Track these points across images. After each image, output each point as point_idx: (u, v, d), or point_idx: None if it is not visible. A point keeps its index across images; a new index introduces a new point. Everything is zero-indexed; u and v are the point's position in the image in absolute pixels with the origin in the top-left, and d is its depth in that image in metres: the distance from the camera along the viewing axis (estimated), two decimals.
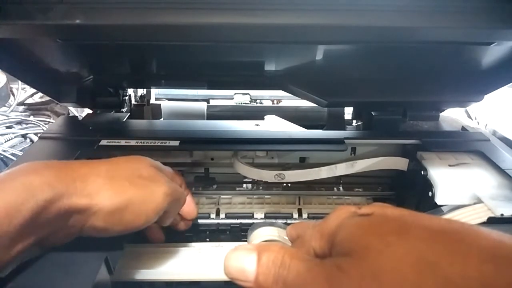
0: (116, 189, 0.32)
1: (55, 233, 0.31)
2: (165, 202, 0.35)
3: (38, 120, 0.88)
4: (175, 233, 0.52)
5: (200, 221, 0.53)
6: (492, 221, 0.40)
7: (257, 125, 0.58)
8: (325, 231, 0.25)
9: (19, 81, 0.93)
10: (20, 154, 0.73)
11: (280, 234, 0.40)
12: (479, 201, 0.43)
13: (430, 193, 0.47)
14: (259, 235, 0.41)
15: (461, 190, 0.45)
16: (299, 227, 0.32)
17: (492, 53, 0.51)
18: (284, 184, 0.59)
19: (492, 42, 0.39)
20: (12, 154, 0.75)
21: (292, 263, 0.23)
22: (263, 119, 0.64)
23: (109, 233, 0.33)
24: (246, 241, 0.47)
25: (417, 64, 0.54)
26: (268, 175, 0.53)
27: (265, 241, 0.40)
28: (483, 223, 0.40)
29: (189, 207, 0.44)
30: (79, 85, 0.57)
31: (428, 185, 0.48)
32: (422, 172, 0.49)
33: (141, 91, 0.74)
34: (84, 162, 0.34)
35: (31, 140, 0.83)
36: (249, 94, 0.91)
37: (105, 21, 0.31)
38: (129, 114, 0.65)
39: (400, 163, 0.55)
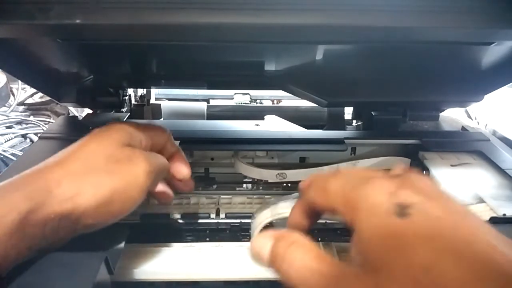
0: (95, 185, 0.31)
1: (49, 239, 0.30)
2: (148, 180, 0.34)
3: (38, 120, 0.88)
4: (175, 233, 0.52)
5: (200, 221, 0.53)
6: (495, 221, 0.40)
7: (257, 125, 0.59)
8: (357, 228, 0.23)
9: (19, 81, 0.92)
10: (20, 154, 0.73)
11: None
12: (481, 201, 0.43)
13: None
14: (258, 222, 0.41)
15: (463, 190, 0.45)
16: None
17: (492, 53, 0.51)
18: (284, 184, 0.59)
19: (492, 42, 0.39)
20: (12, 154, 0.75)
21: (297, 259, 0.24)
22: (263, 119, 0.64)
23: (103, 225, 0.33)
24: (246, 241, 0.47)
25: (417, 64, 0.54)
26: (270, 175, 0.53)
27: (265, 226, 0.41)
28: None
29: (178, 166, 0.41)
30: (79, 85, 0.57)
31: None
32: (424, 172, 0.49)
33: (141, 91, 0.74)
34: (56, 164, 0.32)
35: (31, 140, 0.83)
36: (249, 94, 0.91)
37: (105, 21, 0.31)
38: (129, 114, 0.65)
39: (401, 163, 0.55)
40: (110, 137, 0.34)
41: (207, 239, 0.53)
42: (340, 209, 0.25)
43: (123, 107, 0.66)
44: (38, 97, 1.00)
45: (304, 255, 0.25)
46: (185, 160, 0.43)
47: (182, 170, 0.42)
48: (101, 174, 0.32)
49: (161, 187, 0.42)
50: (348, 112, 0.71)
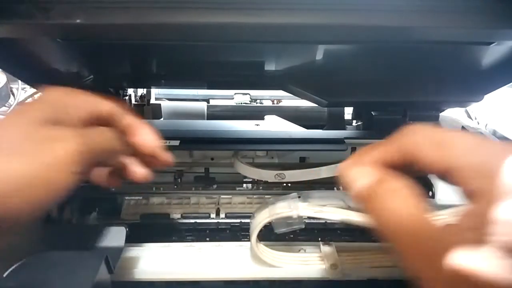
0: (2, 169, 0.27)
1: None
2: (78, 160, 0.29)
3: None
4: (175, 233, 0.53)
5: (200, 221, 0.53)
6: None
7: (257, 125, 0.59)
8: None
9: (19, 81, 0.93)
10: None
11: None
12: None
13: (430, 193, 0.47)
14: (257, 222, 0.41)
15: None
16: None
17: (492, 53, 0.51)
18: (284, 184, 0.59)
19: (492, 42, 0.39)
20: None
21: (394, 207, 0.23)
22: (263, 119, 0.64)
23: (32, 213, 0.28)
24: (246, 240, 0.47)
25: (417, 64, 0.54)
26: (268, 175, 0.53)
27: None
28: None
29: (140, 137, 0.35)
30: (79, 85, 0.57)
31: (428, 185, 0.48)
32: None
33: (141, 91, 0.74)
34: None
35: None
36: (249, 94, 0.91)
37: (106, 20, 0.31)
38: None
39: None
40: (29, 113, 0.29)
41: (207, 239, 0.53)
42: (467, 173, 0.22)
43: None
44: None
45: (404, 207, 0.23)
46: (147, 129, 0.36)
47: (146, 140, 0.35)
48: (11, 156, 0.27)
49: (131, 164, 0.36)
50: (348, 112, 0.71)
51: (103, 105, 0.34)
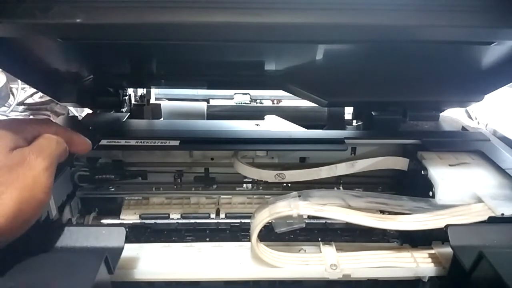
0: None
1: None
2: (50, 174, 0.32)
3: None
4: (175, 233, 0.52)
5: (200, 221, 0.53)
6: (493, 221, 0.40)
7: (257, 125, 0.59)
8: None
9: (19, 81, 0.93)
10: None
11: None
12: (479, 200, 0.43)
13: (430, 193, 0.47)
14: (257, 222, 0.41)
15: (461, 189, 0.45)
16: None
17: (492, 53, 0.51)
18: (284, 184, 0.59)
19: (493, 42, 0.39)
20: None
21: None
22: (263, 119, 0.64)
23: (20, 234, 0.31)
24: (246, 241, 0.47)
25: (417, 64, 0.54)
26: (269, 175, 0.53)
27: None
28: (483, 222, 0.40)
29: (77, 143, 0.39)
30: (79, 85, 0.57)
31: (428, 185, 0.48)
32: (422, 172, 0.49)
33: (141, 91, 0.74)
34: None
35: None
36: (249, 94, 0.91)
37: (106, 20, 0.31)
38: (129, 114, 0.65)
39: (400, 163, 0.55)
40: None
41: (207, 239, 0.53)
42: None
43: (123, 107, 0.66)
44: (38, 97, 1.00)
45: None
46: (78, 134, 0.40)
47: (84, 143, 0.40)
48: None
49: None
50: (348, 112, 0.71)
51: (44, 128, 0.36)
